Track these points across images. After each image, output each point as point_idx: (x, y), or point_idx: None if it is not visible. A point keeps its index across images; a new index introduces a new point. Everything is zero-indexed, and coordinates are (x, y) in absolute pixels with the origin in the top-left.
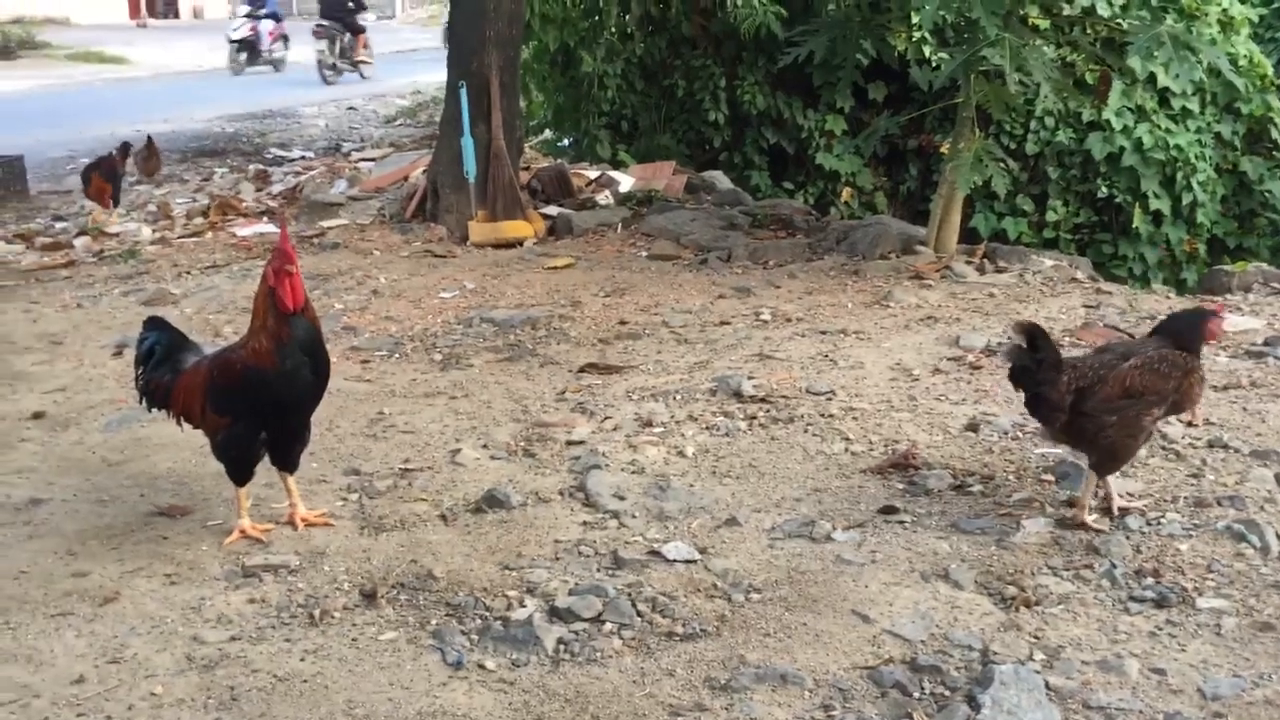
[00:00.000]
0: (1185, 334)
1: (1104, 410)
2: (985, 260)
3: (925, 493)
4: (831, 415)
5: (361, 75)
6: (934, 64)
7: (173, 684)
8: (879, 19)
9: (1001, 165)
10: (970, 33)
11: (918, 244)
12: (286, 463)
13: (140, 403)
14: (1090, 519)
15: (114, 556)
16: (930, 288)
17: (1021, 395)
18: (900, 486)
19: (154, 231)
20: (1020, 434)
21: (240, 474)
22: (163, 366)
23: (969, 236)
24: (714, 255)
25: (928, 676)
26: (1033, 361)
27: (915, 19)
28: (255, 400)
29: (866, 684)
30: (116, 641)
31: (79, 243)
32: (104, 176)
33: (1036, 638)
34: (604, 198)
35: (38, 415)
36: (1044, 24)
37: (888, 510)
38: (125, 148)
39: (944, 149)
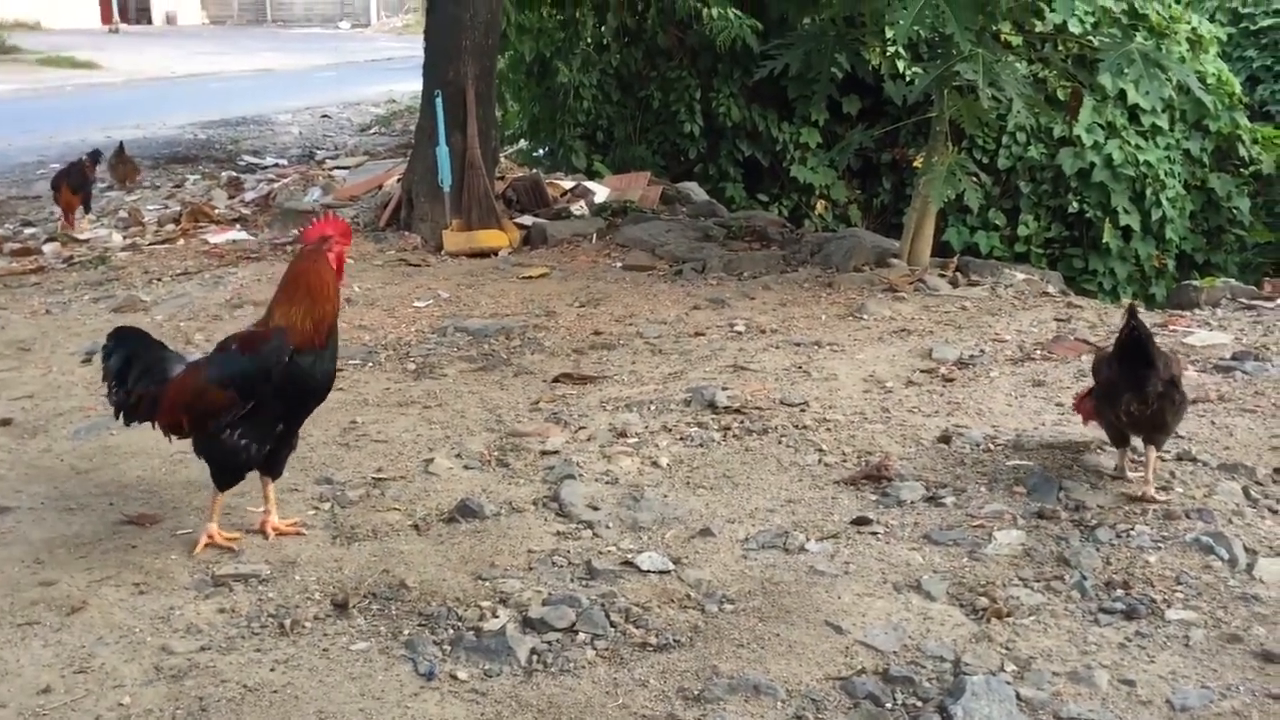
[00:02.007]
0: None
1: (1179, 384)
2: (958, 273)
3: (898, 504)
4: (805, 426)
5: None
6: (908, 79)
7: (141, 694)
8: (854, 33)
9: (974, 179)
10: (944, 48)
11: (891, 257)
12: (274, 468)
13: (117, 417)
14: (1154, 492)
15: (82, 565)
16: (903, 300)
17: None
18: (873, 498)
19: (125, 238)
20: (992, 446)
21: (234, 476)
22: (147, 377)
23: (941, 250)
24: (689, 266)
25: (900, 687)
26: (1146, 336)
27: (890, 34)
28: (284, 387)
29: (839, 694)
30: (84, 651)
31: (48, 249)
32: (73, 186)
33: (1008, 649)
34: (579, 208)
35: (5, 422)
36: (1016, 40)
37: (861, 521)
38: (95, 155)
39: (917, 163)
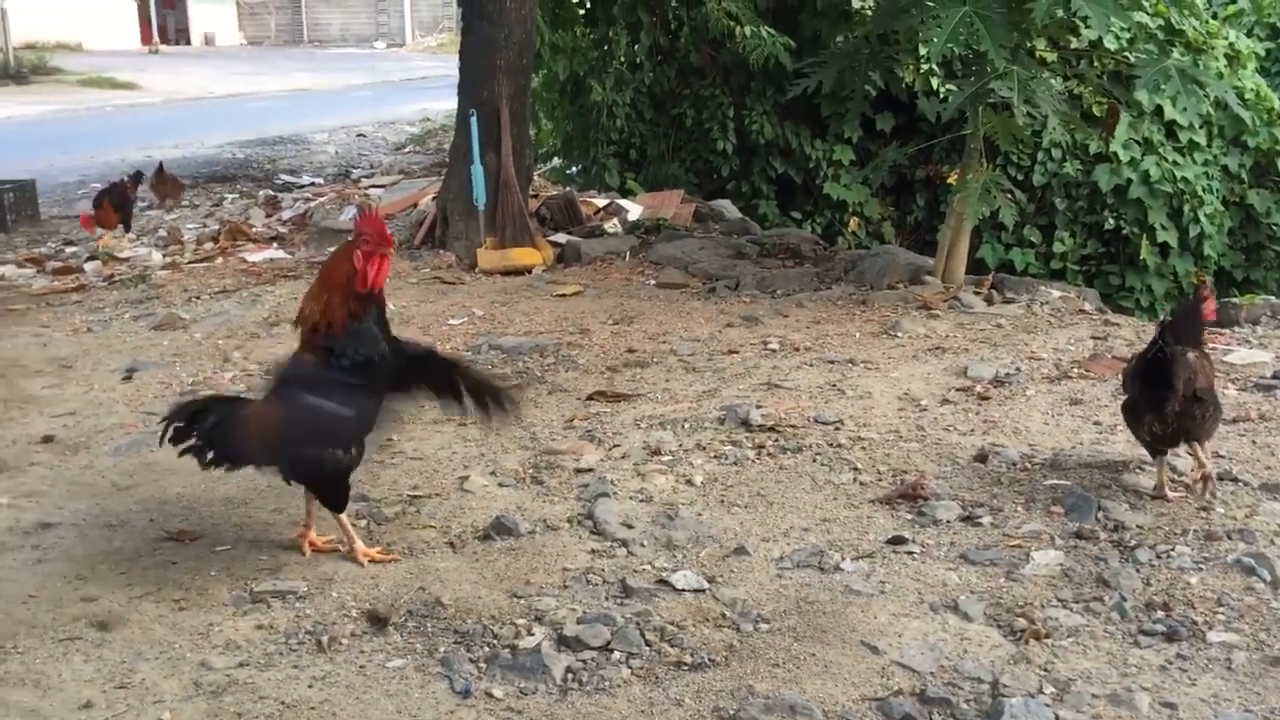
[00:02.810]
0: (1190, 328)
1: (1205, 395)
2: (993, 291)
3: (934, 523)
4: (840, 445)
5: None
6: (942, 96)
7: (180, 710)
8: (887, 51)
9: (1009, 196)
10: (978, 65)
11: (925, 274)
12: None
13: (210, 468)
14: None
15: (123, 581)
16: (938, 318)
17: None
18: (909, 517)
19: (164, 256)
20: (1029, 465)
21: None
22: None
23: (976, 267)
24: (722, 284)
25: (937, 709)
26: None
27: (923, 51)
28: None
29: (875, 715)
30: (125, 667)
31: (89, 267)
32: (114, 205)
33: (1046, 670)
34: (612, 226)
35: (47, 439)
36: (1051, 57)
37: (896, 541)
38: (137, 176)
39: (952, 180)
